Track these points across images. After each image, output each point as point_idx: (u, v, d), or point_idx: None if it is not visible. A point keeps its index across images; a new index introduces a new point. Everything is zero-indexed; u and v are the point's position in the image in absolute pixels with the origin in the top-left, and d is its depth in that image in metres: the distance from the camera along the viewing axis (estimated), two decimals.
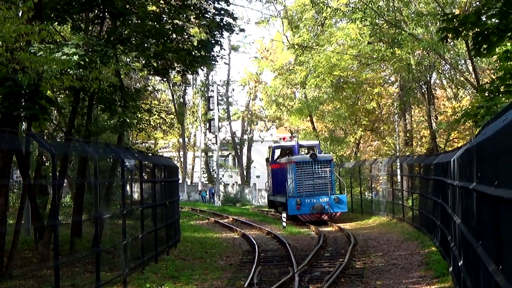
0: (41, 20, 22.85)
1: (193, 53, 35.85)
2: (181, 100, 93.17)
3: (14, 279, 21.77)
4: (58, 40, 24.85)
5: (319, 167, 48.33)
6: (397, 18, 50.08)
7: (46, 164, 36.08)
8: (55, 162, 22.97)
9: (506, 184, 7.75)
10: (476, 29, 24.66)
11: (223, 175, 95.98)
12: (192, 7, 35.85)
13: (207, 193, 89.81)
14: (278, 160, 56.57)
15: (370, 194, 58.23)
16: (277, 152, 59.05)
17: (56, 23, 28.93)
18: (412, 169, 42.15)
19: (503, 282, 8.02)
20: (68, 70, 23.81)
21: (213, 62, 41.06)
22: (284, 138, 65.74)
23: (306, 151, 55.04)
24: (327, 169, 48.54)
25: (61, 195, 29.24)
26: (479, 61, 46.18)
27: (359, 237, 35.14)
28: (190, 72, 42.65)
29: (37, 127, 27.57)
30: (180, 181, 71.05)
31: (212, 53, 37.65)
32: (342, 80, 62.38)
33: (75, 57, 23.18)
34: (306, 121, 74.96)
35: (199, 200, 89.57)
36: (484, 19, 24.43)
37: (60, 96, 32.70)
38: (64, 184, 34.13)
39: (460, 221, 15.50)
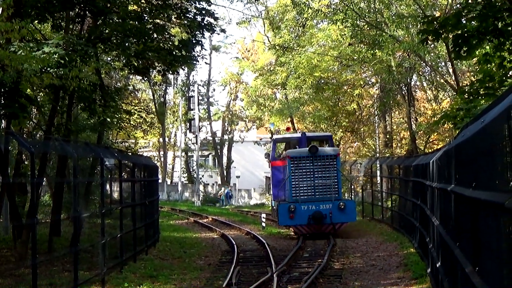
0: (21, 18, 22.81)
1: (174, 53, 35.89)
2: (162, 99, 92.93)
3: None
4: (38, 38, 24.80)
5: (321, 164, 36.33)
6: (378, 20, 50.11)
7: (25, 162, 35.96)
8: (34, 160, 22.94)
9: (483, 186, 7.78)
10: (456, 31, 24.74)
11: (203, 175, 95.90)
12: (173, 7, 35.85)
13: (225, 196, 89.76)
14: (279, 156, 44.13)
15: (350, 196, 56.34)
16: (280, 147, 50.59)
17: (37, 21, 28.88)
18: (392, 170, 42.29)
19: (480, 283, 8.06)
20: (48, 68, 23.79)
21: (194, 62, 41.06)
22: (288, 129, 56.96)
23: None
24: (332, 166, 36.50)
25: (40, 194, 29.24)
26: (459, 64, 46.26)
27: (338, 238, 35.19)
28: (170, 72, 42.62)
29: (16, 125, 27.54)
30: (160, 181, 70.98)
31: (193, 53, 37.74)
32: (322, 81, 62.34)
33: (55, 56, 23.14)
34: (287, 122, 74.88)
35: (220, 204, 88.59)
36: (464, 21, 24.51)
37: (40, 94, 32.61)
38: (43, 183, 34.06)
39: (438, 222, 15.55)
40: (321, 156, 36.73)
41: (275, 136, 55.51)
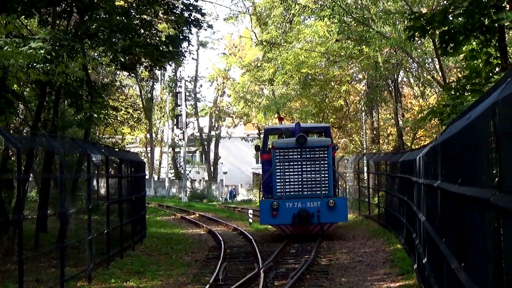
0: (7, 13, 22.75)
1: (161, 48, 35.89)
2: (149, 95, 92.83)
3: None
4: (25, 34, 24.75)
5: (310, 156, 32.06)
6: (365, 16, 50.19)
7: (12, 158, 35.88)
8: (21, 156, 22.91)
9: (469, 182, 7.80)
10: (443, 28, 24.80)
11: (190, 171, 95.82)
12: (160, 2, 35.84)
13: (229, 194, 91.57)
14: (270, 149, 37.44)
15: (343, 193, 55.70)
16: (272, 139, 42.71)
17: (23, 16, 28.75)
18: (379, 166, 42.29)
19: (465, 279, 8.08)
20: (35, 64, 23.75)
21: (181, 58, 40.99)
22: (281, 119, 46.78)
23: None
24: (322, 159, 32.10)
25: (27, 190, 29.13)
26: (446, 60, 46.33)
27: (325, 234, 35.18)
28: (157, 68, 42.52)
29: (2, 121, 27.42)
30: (147, 177, 70.99)
31: (180, 48, 37.68)
32: (309, 77, 62.26)
33: (42, 51, 23.10)
34: (274, 118, 74.88)
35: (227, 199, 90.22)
36: (451, 18, 24.57)
37: (27, 90, 32.52)
38: (30, 179, 33.98)
39: (425, 218, 15.58)
40: (310, 147, 32.18)
41: (267, 126, 53.94)
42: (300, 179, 32.38)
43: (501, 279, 5.62)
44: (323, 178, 32.33)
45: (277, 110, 69.26)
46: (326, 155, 32.41)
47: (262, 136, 46.10)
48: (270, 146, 35.16)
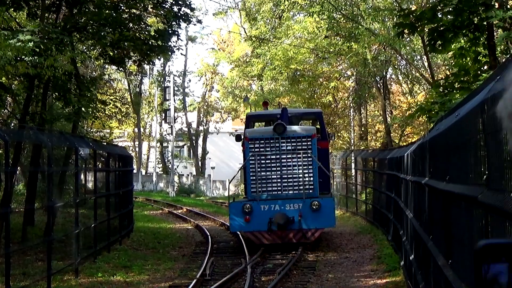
0: None
1: (150, 43, 35.90)
2: (137, 90, 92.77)
3: None
4: (13, 26, 24.70)
5: (291, 148, 26.29)
6: (354, 13, 50.30)
7: None
8: (8, 149, 22.89)
9: (457, 179, 7.83)
10: (432, 25, 24.88)
11: (178, 166, 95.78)
12: None
13: None
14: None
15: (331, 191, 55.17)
16: (256, 126, 35.75)
17: (12, 9, 28.69)
18: (366, 163, 42.31)
19: (452, 276, 8.10)
20: (23, 57, 23.79)
21: (170, 53, 40.90)
22: (265, 104, 37.36)
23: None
24: (304, 152, 26.38)
25: (14, 183, 29.07)
26: (434, 57, 46.45)
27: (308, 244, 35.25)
28: (146, 62, 42.45)
29: None
30: (135, 171, 70.91)
31: (169, 43, 37.69)
32: (298, 73, 62.36)
33: (30, 44, 23.13)
34: (260, 107, 75.08)
35: None
36: (440, 15, 24.62)
37: (15, 83, 32.43)
38: (18, 172, 33.91)
39: (412, 215, 15.63)
40: (291, 137, 26.25)
41: (250, 112, 47.07)
42: (278, 176, 26.63)
43: None
44: (306, 175, 26.40)
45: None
46: (310, 147, 26.33)
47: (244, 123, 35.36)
48: (242, 137, 29.11)
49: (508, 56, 20.98)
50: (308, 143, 26.43)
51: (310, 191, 26.38)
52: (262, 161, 26.58)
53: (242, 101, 74.72)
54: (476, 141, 6.72)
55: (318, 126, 30.94)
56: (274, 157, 26.48)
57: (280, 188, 26.58)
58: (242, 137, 30.06)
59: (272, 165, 26.60)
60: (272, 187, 26.66)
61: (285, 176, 26.57)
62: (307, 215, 25.67)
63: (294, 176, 26.56)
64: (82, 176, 27.25)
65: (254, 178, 26.62)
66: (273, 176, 26.64)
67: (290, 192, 26.50)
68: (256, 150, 26.52)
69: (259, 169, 26.50)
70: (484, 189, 5.64)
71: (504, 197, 5.03)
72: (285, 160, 26.46)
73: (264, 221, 25.51)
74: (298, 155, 26.37)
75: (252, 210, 25.67)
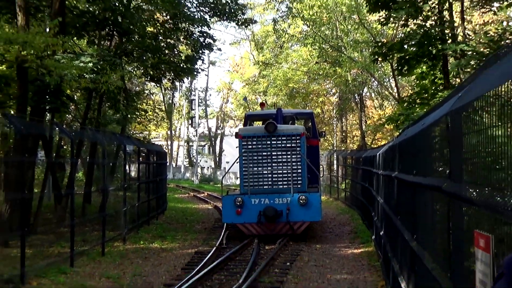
0: (64, 35, 22.75)
1: (181, 66, 36.05)
2: (170, 101, 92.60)
3: (39, 234, 21.72)
4: (77, 51, 24.79)
5: (281, 145, 23.12)
6: (339, 44, 50.31)
7: (64, 147, 35.83)
8: (73, 145, 22.91)
9: (423, 173, 7.83)
10: (400, 54, 24.88)
11: (200, 160, 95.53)
12: (181, 30, 35.95)
13: None
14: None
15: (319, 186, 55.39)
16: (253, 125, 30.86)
17: (76, 37, 28.75)
18: (346, 160, 42.37)
19: (416, 246, 8.12)
20: (84, 74, 23.82)
21: (196, 73, 40.98)
22: (262, 105, 31.76)
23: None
24: (293, 149, 23.07)
25: (76, 171, 29.16)
26: (400, 79, 46.35)
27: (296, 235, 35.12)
28: (178, 80, 42.54)
29: (58, 118, 27.49)
30: (168, 164, 70.88)
31: (196, 66, 37.83)
32: (294, 90, 62.32)
33: (90, 65, 23.17)
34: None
35: None
36: (406, 47, 24.62)
37: (77, 94, 32.51)
38: (78, 163, 33.95)
39: (382, 201, 15.59)
40: (281, 135, 23.08)
41: (248, 112, 42.93)
42: (269, 172, 23.27)
43: (449, 245, 5.66)
44: (295, 171, 23.08)
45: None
46: (299, 145, 23.13)
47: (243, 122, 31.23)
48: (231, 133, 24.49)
49: (462, 80, 21.00)
50: (298, 141, 23.01)
51: (298, 186, 22.90)
52: (254, 158, 23.07)
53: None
54: (440, 143, 6.72)
55: (310, 126, 28.24)
56: (265, 154, 23.03)
57: (270, 183, 23.08)
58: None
59: (263, 161, 23.08)
60: (263, 182, 23.09)
61: (275, 171, 23.12)
62: (295, 209, 22.28)
63: (283, 172, 23.08)
64: (128, 167, 27.26)
65: (246, 173, 23.12)
66: (264, 172, 23.08)
67: (280, 187, 22.98)
68: (248, 147, 23.14)
69: (251, 165, 23.02)
70: (447, 181, 5.65)
71: (461, 186, 5.05)
72: (275, 157, 23.05)
73: (254, 213, 22.36)
74: (288, 152, 23.00)
75: (243, 203, 22.43)
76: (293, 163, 22.79)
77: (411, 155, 9.39)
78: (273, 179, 22.94)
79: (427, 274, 7.11)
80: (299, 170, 22.83)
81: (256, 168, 22.95)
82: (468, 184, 4.97)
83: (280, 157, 22.93)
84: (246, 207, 22.31)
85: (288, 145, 22.83)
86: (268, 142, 22.79)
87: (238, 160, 23.74)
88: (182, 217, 32.56)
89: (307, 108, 59.64)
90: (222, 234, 23.39)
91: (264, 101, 34.60)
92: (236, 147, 24.34)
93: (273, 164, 22.94)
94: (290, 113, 28.48)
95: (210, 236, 24.68)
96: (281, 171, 22.94)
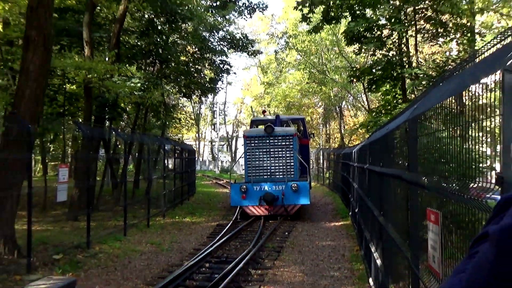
0: (119, 62, 22.84)
1: (206, 85, 36.17)
2: (198, 111, 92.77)
3: (100, 212, 21.79)
4: (128, 74, 24.88)
5: (277, 144, 22.64)
6: (324, 69, 50.34)
7: (119, 146, 35.87)
8: (126, 145, 22.95)
9: (386, 165, 7.84)
10: (369, 76, 24.84)
11: (220, 156, 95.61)
12: (206, 58, 36.15)
13: None
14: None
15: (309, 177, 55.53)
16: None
17: (127, 64, 28.86)
18: (329, 156, 42.38)
19: (382, 220, 8.12)
20: (134, 92, 23.89)
21: (217, 91, 40.99)
22: (264, 112, 32.29)
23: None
24: (287, 146, 22.59)
25: (128, 164, 29.26)
26: (370, 95, 46.29)
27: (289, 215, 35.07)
28: (203, 96, 42.56)
29: (115, 124, 27.58)
30: (196, 159, 70.91)
31: (217, 86, 37.98)
32: (291, 104, 62.32)
33: (138, 85, 23.23)
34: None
35: None
36: (374, 71, 24.59)
37: (128, 107, 32.58)
38: (129, 158, 34.08)
39: (357, 186, 15.58)
40: (277, 136, 22.54)
41: (253, 118, 38.11)
42: (267, 165, 22.63)
43: (407, 219, 5.66)
44: (288, 164, 22.54)
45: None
46: (292, 143, 22.50)
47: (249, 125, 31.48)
48: (242, 135, 22.08)
49: (416, 96, 21.03)
50: (291, 141, 22.30)
51: (291, 176, 22.26)
52: (256, 154, 22.47)
53: (261, 113, 74.32)
54: (400, 143, 6.73)
55: (301, 129, 27.98)
56: (265, 150, 22.42)
57: (269, 174, 22.44)
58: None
59: (263, 156, 22.46)
60: (263, 172, 22.45)
61: (273, 164, 22.45)
62: (288, 194, 21.67)
63: (279, 165, 22.44)
64: (166, 161, 27.29)
65: (250, 166, 22.53)
66: (263, 165, 22.46)
67: (276, 176, 22.31)
68: (251, 145, 22.48)
69: (253, 160, 22.45)
70: (406, 171, 5.65)
71: (416, 175, 5.05)
72: (273, 153, 22.43)
73: (256, 198, 21.74)
74: (283, 149, 22.38)
75: (247, 190, 21.83)
76: (287, 158, 22.19)
77: (379, 151, 9.39)
78: (271, 171, 22.36)
79: (391, 241, 7.12)
80: (292, 164, 22.21)
81: (257, 162, 22.41)
82: (422, 173, 4.98)
83: (277, 153, 22.38)
84: (249, 193, 21.73)
85: (283, 143, 22.23)
86: (267, 141, 22.24)
87: (243, 155, 23.14)
88: (207, 198, 32.58)
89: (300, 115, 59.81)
90: (237, 212, 23.38)
91: (264, 109, 32.75)
92: (243, 145, 23.60)
93: (271, 159, 22.39)
94: (286, 119, 27.97)
95: (228, 213, 24.69)
96: (277, 164, 22.38)
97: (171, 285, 10.91)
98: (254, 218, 21.60)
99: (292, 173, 22.20)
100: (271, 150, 22.34)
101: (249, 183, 21.98)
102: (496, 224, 0.87)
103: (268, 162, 22.38)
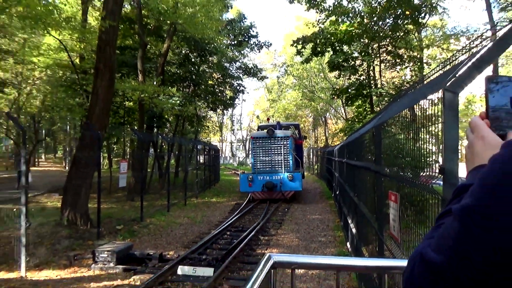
0: (163, 85, 22.91)
1: (227, 102, 36.18)
2: (221, 121, 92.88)
3: (150, 194, 21.81)
4: (170, 94, 25.02)
5: (276, 143, 21.68)
6: (313, 89, 50.21)
7: (164, 146, 35.94)
8: (168, 145, 22.94)
9: (359, 159, 7.79)
10: (346, 95, 24.70)
11: (237, 153, 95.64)
12: (227, 82, 36.26)
13: None
14: None
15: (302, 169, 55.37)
16: None
17: (170, 87, 28.91)
18: (317, 153, 42.27)
19: (356, 200, 8.08)
20: (174, 107, 23.89)
21: (235, 106, 41.17)
22: (268, 119, 33.04)
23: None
24: (284, 145, 21.61)
25: (170, 159, 29.32)
26: (347, 108, 46.19)
27: (286, 199, 34.88)
28: (225, 109, 42.68)
29: (161, 131, 27.59)
30: (219, 155, 70.98)
31: (235, 102, 38.03)
32: (289, 114, 62.19)
33: (177, 102, 23.24)
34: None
35: None
36: (350, 90, 24.46)
37: (171, 118, 32.68)
38: (171, 155, 34.20)
39: (338, 175, 15.51)
40: (276, 137, 21.64)
41: (259, 124, 37.92)
42: (269, 159, 21.61)
43: (374, 201, 5.63)
44: (285, 159, 21.52)
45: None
46: (288, 143, 21.52)
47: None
48: (250, 137, 23.14)
49: (380, 109, 20.83)
50: (287, 141, 21.38)
51: (288, 168, 21.28)
52: (260, 151, 21.43)
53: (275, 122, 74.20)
54: (368, 144, 6.70)
55: (297, 132, 26.87)
56: (267, 148, 21.44)
57: (270, 166, 21.38)
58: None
59: (266, 153, 21.42)
60: (265, 165, 21.39)
61: (273, 159, 21.43)
62: (285, 183, 20.79)
63: (278, 159, 21.42)
64: (198, 157, 27.32)
65: (255, 160, 21.49)
66: (266, 160, 21.40)
67: (276, 169, 21.35)
68: (257, 144, 21.53)
69: (258, 155, 21.42)
70: (373, 164, 5.62)
71: (381, 167, 5.02)
72: (273, 150, 21.41)
73: (260, 185, 20.79)
74: (281, 148, 21.40)
75: (253, 179, 20.87)
76: (284, 154, 21.35)
77: (353, 149, 9.35)
78: (272, 164, 21.38)
79: (362, 216, 7.09)
80: (288, 159, 21.33)
81: (261, 157, 21.40)
82: (385, 165, 4.95)
83: (276, 150, 21.43)
84: (255, 181, 20.78)
85: (281, 143, 21.39)
86: (269, 141, 21.39)
87: (250, 152, 22.40)
88: (228, 184, 32.50)
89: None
90: (249, 195, 23.38)
91: (269, 117, 31.02)
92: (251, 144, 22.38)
93: (272, 155, 21.44)
94: (285, 124, 27.42)
95: (243, 196, 24.57)
96: (276, 159, 21.40)
97: (202, 248, 10.92)
98: (262, 201, 21.36)
99: (288, 166, 21.39)
100: (272, 148, 21.53)
101: (254, 173, 21.12)
102: (457, 203, 0.86)
103: (269, 157, 21.55)
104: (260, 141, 21.46)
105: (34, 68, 25.86)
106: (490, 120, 1.02)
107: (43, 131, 47.86)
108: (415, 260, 0.86)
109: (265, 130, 22.04)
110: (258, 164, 21.35)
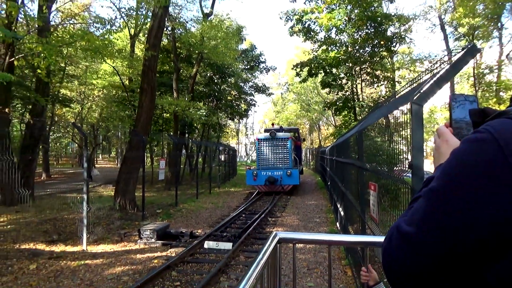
0: (193, 100, 22.94)
1: (242, 113, 36.03)
2: (237, 128, 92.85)
3: (183, 185, 21.84)
4: (198, 107, 25.10)
5: (278, 144, 20.27)
6: (309, 103, 50.01)
7: (193, 148, 36.04)
8: (197, 147, 22.90)
9: (346, 157, 7.73)
10: (335, 106, 24.52)
11: (250, 153, 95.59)
12: (242, 98, 36.10)
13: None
14: None
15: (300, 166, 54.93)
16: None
17: (198, 101, 29.02)
18: (313, 152, 42.03)
19: (343, 188, 8.02)
20: (202, 117, 23.92)
21: (248, 116, 40.95)
22: (273, 124, 26.60)
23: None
24: (284, 146, 20.30)
25: (198, 158, 29.32)
26: (336, 117, 45.96)
27: (285, 192, 34.58)
28: (241, 119, 42.71)
29: (191, 136, 27.60)
30: (236, 154, 70.91)
31: (248, 113, 37.86)
32: (290, 123, 62.02)
33: (204, 113, 23.25)
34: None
35: None
36: (338, 103, 24.28)
37: (199, 126, 32.73)
38: (200, 155, 34.26)
39: (329, 169, 15.40)
40: (278, 138, 20.15)
41: (265, 128, 33.28)
42: (271, 158, 20.18)
43: (358, 190, 5.59)
44: (285, 157, 20.12)
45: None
46: (288, 144, 20.10)
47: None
48: (256, 139, 21.51)
49: (362, 117, 20.66)
50: (287, 142, 19.98)
51: (287, 165, 19.92)
52: (264, 150, 20.09)
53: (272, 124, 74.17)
54: (353, 144, 6.65)
55: (296, 135, 25.97)
56: (270, 148, 20.04)
57: (272, 164, 20.01)
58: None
59: (269, 152, 20.03)
60: (268, 163, 20.03)
61: (275, 157, 20.07)
62: (285, 178, 19.40)
63: (279, 158, 20.05)
64: (220, 156, 27.32)
65: (260, 158, 20.11)
66: (268, 157, 20.04)
67: (277, 165, 19.97)
68: (261, 144, 20.20)
69: (262, 154, 20.09)
70: (357, 161, 5.58)
71: (363, 163, 4.98)
72: (275, 150, 20.04)
73: (263, 179, 19.42)
74: (281, 147, 20.02)
75: (257, 174, 19.46)
76: (284, 153, 20.13)
77: (341, 149, 9.28)
78: (273, 162, 20.13)
79: (349, 201, 7.03)
80: (288, 157, 20.11)
81: (265, 155, 20.15)
82: (366, 162, 4.91)
83: (277, 150, 20.16)
84: (258, 176, 19.52)
85: (282, 143, 20.15)
86: (271, 142, 20.12)
87: (256, 151, 20.94)
88: (243, 178, 32.16)
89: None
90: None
91: (273, 123, 28.78)
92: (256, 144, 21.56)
93: (274, 154, 20.17)
94: (287, 128, 26.32)
95: (254, 187, 24.56)
96: (277, 157, 20.14)
97: (223, 227, 10.91)
98: (269, 192, 20.60)
99: (287, 163, 20.21)
100: (274, 148, 20.27)
101: (258, 169, 19.91)
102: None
103: (272, 156, 20.27)
104: (264, 142, 20.38)
105: (93, 88, 26.36)
106: (453, 128, 1.05)
107: (101, 136, 48.39)
108: (392, 233, 0.88)
109: (269, 133, 20.99)
110: (262, 162, 20.25)
